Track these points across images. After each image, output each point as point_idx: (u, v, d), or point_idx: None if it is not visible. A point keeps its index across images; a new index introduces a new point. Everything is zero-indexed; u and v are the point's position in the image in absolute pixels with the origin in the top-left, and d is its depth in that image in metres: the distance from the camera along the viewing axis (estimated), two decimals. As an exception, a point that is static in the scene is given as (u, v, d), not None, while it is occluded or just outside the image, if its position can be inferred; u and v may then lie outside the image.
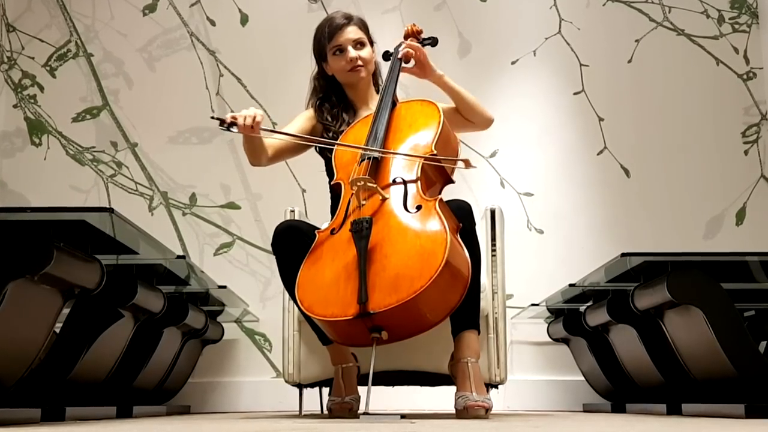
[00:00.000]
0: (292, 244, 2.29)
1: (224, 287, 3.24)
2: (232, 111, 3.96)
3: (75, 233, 2.10)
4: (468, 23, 4.21)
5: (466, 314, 2.26)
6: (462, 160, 2.29)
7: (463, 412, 2.19)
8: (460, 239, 2.16)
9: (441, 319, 2.08)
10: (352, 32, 2.58)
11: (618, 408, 3.41)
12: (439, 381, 2.61)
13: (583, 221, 4.06)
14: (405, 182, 2.21)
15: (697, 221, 4.04)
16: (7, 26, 4.04)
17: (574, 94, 4.17)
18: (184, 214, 3.96)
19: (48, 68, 4.05)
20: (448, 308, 2.08)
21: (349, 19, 2.60)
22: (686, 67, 4.19)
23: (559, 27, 4.21)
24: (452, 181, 2.41)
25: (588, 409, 3.71)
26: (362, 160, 2.29)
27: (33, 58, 4.05)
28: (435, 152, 2.30)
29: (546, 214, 4.05)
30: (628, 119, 4.15)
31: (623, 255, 2.67)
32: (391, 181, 2.24)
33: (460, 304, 2.09)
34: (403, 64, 2.56)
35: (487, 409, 2.20)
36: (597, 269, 2.94)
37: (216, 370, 3.83)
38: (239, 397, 3.76)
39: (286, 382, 2.70)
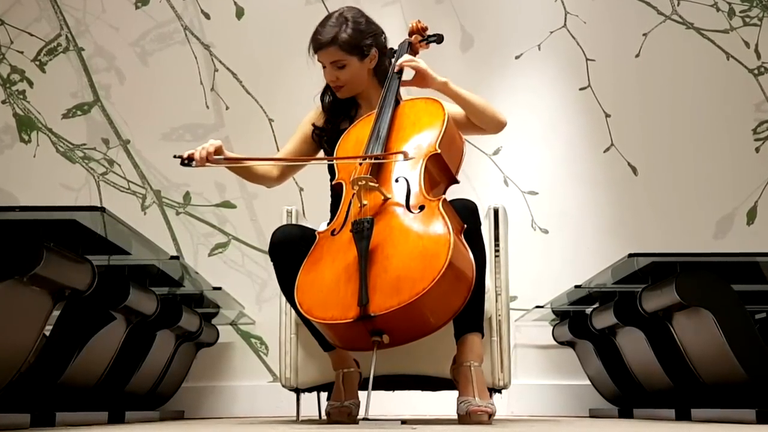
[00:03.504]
0: (290, 251, 2.22)
1: (219, 289, 3.14)
2: (227, 107, 3.92)
3: (66, 233, 2.05)
4: (470, 17, 4.11)
5: (470, 317, 2.20)
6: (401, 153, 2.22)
7: (465, 418, 2.13)
8: (464, 240, 2.10)
9: (444, 322, 2.03)
10: (331, 55, 2.42)
11: (625, 413, 3.33)
12: (442, 385, 2.54)
13: (589, 220, 3.97)
14: (408, 182, 2.15)
15: (706, 220, 3.95)
16: (-5, 20, 3.95)
17: (580, 89, 4.07)
18: (177, 213, 3.87)
19: (37, 63, 3.96)
20: (451, 311, 2.03)
21: (331, 39, 2.40)
22: (696, 62, 4.09)
23: (565, 20, 4.11)
24: (457, 181, 2.34)
25: (594, 414, 3.62)
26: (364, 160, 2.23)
27: (22, 53, 3.96)
28: (439, 151, 2.23)
29: (551, 214, 3.96)
30: (635, 115, 4.06)
31: (630, 255, 2.61)
32: (393, 180, 2.18)
33: (464, 307, 2.03)
34: (403, 78, 2.45)
35: (490, 415, 2.14)
36: (603, 270, 2.87)
37: (211, 374, 3.74)
38: (235, 402, 3.68)
39: (283, 386, 2.62)
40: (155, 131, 3.90)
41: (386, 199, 2.12)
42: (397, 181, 2.17)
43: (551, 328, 3.70)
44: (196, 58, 3.97)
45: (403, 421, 2.00)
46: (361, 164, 2.22)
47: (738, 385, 2.52)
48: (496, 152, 3.98)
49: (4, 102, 3.93)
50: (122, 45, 3.98)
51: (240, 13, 4.02)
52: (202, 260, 3.79)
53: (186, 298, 3.17)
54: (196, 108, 3.88)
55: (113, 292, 2.37)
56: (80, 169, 3.89)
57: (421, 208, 2.09)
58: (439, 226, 2.03)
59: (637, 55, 4.09)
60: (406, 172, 2.18)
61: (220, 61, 3.97)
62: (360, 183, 2.10)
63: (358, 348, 2.10)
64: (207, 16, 4.01)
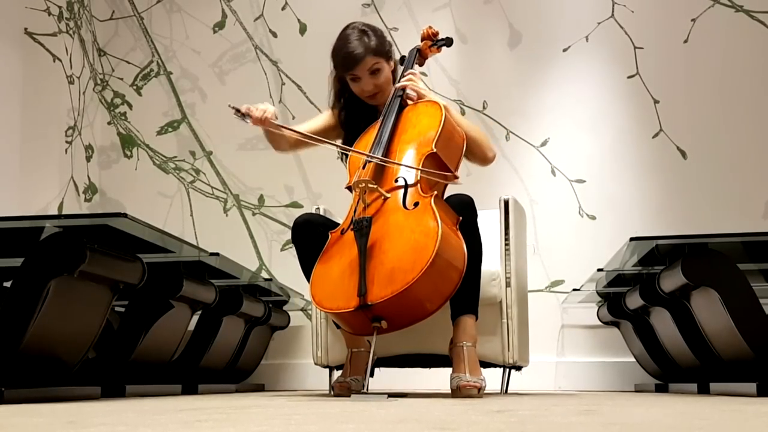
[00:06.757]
0: (307, 236, 2.51)
1: (270, 280, 3.55)
2: (293, 117, 4.30)
3: (112, 236, 2.33)
4: (518, 14, 4.27)
5: (465, 300, 2.40)
6: (448, 174, 2.42)
7: (456, 392, 2.33)
8: (458, 231, 2.31)
9: (437, 307, 2.23)
10: (368, 63, 2.59)
11: (662, 388, 3.46)
12: (437, 362, 2.79)
13: (637, 205, 4.06)
14: (406, 182, 2.38)
15: (756, 201, 3.97)
16: (98, 51, 4.53)
17: (629, 77, 4.17)
18: (254, 214, 4.31)
19: (135, 87, 4.50)
20: (443, 297, 2.23)
21: (365, 50, 2.58)
22: (745, 44, 4.09)
23: (612, 11, 4.22)
24: (456, 177, 2.51)
25: (639, 389, 3.76)
26: (365, 164, 2.48)
27: (122, 79, 4.50)
28: (435, 150, 2.42)
29: (599, 200, 4.08)
30: (684, 100, 4.11)
31: (632, 239, 2.73)
32: (394, 181, 2.41)
33: (455, 292, 2.25)
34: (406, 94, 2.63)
35: (479, 389, 2.32)
36: (615, 255, 3.00)
37: (286, 352, 4.15)
38: (308, 376, 4.05)
39: (315, 364, 2.95)
40: (233, 142, 4.34)
41: (385, 198, 2.35)
42: (396, 181, 2.39)
43: (596, 309, 3.86)
44: (265, 74, 4.39)
45: (390, 395, 2.22)
46: (364, 167, 2.46)
47: (747, 360, 2.60)
48: (543, 143, 4.16)
49: (109, 123, 4.50)
50: (203, 67, 4.45)
51: (303, 29, 4.39)
52: (275, 254, 4.23)
53: (251, 288, 3.60)
54: (266, 119, 4.30)
55: (167, 284, 2.77)
56: (173, 178, 4.40)
57: (416, 204, 2.30)
58: (430, 220, 2.23)
59: (686, 41, 4.14)
60: (405, 173, 2.40)
61: (287, 75, 4.38)
62: (360, 185, 2.35)
63: (363, 333, 2.33)
64: (274, 35, 4.42)
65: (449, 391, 2.40)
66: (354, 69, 2.61)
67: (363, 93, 2.66)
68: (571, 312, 3.98)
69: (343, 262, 2.30)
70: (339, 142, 2.80)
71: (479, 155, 2.68)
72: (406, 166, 2.44)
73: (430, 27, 2.86)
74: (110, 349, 2.72)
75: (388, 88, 2.67)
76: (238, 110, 2.49)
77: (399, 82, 2.67)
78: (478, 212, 2.50)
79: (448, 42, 2.85)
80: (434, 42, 2.85)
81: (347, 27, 2.71)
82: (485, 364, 2.71)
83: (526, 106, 4.19)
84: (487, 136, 2.78)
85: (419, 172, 2.42)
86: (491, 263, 2.81)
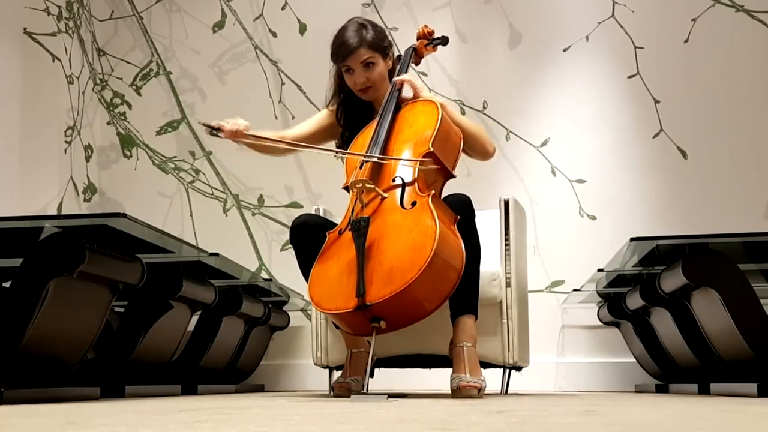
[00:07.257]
0: (305, 237, 2.52)
1: (269, 280, 3.54)
2: (293, 117, 4.29)
3: (111, 236, 2.33)
4: (518, 14, 4.27)
5: (464, 300, 2.40)
6: (419, 160, 2.42)
7: (456, 392, 2.32)
8: (456, 231, 2.31)
9: (436, 307, 2.23)
10: (362, 55, 2.59)
11: (662, 388, 3.45)
12: (436, 363, 2.78)
13: (638, 205, 4.06)
14: (403, 181, 2.37)
15: (756, 200, 3.97)
16: (98, 51, 4.52)
17: (629, 77, 4.17)
18: (253, 214, 4.30)
19: (134, 87, 4.49)
20: (441, 296, 2.23)
21: (360, 42, 2.59)
22: (746, 44, 4.09)
23: (613, 10, 4.22)
24: (453, 176, 2.52)
25: (639, 389, 3.75)
26: (362, 164, 2.47)
27: (121, 79, 4.49)
28: (432, 150, 2.42)
29: (600, 201, 4.08)
30: (685, 100, 4.11)
31: (632, 239, 2.72)
32: (391, 180, 2.40)
33: (453, 292, 2.24)
34: (403, 93, 2.63)
35: (480, 389, 2.31)
36: (615, 255, 3.00)
37: (286, 353, 4.15)
38: (307, 377, 4.04)
39: (315, 364, 2.95)
40: (232, 142, 4.31)
41: (383, 198, 2.35)
42: (393, 180, 2.39)
43: (597, 309, 3.86)
44: (265, 73, 4.38)
45: (390, 395, 2.22)
46: (361, 167, 2.46)
47: (747, 360, 2.60)
48: (543, 143, 4.16)
49: (108, 123, 4.49)
50: (203, 66, 4.44)
51: (303, 29, 4.39)
52: (275, 255, 4.22)
53: (251, 288, 3.60)
54: (266, 119, 4.24)
55: (167, 285, 2.76)
56: (172, 179, 4.39)
57: (413, 204, 2.30)
58: (428, 219, 2.23)
59: (686, 41, 4.14)
60: (402, 172, 2.40)
61: (287, 75, 4.37)
62: (357, 185, 2.35)
63: (362, 333, 2.32)
64: (274, 35, 4.42)
65: (449, 392, 2.39)
66: (347, 59, 2.62)
67: (355, 86, 2.66)
68: (572, 312, 3.98)
69: (341, 262, 2.30)
70: (335, 141, 2.81)
71: (480, 150, 2.68)
72: (399, 159, 2.44)
73: (426, 26, 2.85)
74: (110, 349, 2.71)
75: (382, 85, 2.67)
76: (210, 126, 2.52)
77: (397, 75, 2.66)
78: (478, 212, 2.50)
79: (444, 41, 2.85)
80: (430, 41, 2.83)
81: (350, 20, 2.71)
82: (485, 365, 2.70)
83: (526, 106, 4.19)
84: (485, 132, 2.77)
85: (415, 171, 2.41)
86: (491, 263, 2.81)
